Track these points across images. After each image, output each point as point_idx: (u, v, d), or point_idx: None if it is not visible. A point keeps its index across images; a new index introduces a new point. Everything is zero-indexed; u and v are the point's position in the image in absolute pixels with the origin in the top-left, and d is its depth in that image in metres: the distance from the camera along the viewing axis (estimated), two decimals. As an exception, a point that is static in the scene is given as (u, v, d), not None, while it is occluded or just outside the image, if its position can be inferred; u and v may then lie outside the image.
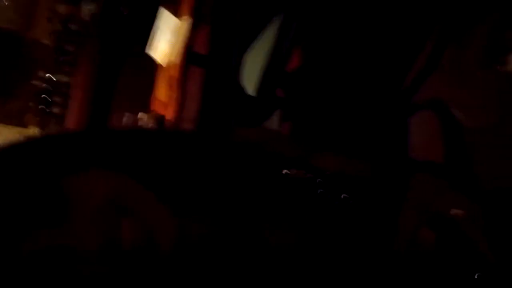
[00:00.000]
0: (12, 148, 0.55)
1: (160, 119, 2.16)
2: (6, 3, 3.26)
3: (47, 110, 3.29)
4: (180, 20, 2.12)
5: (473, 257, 0.66)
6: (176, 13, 2.17)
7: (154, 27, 2.24)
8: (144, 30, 2.37)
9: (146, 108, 2.36)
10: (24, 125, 3.35)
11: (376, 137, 1.47)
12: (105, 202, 0.49)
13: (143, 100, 2.45)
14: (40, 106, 3.29)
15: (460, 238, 0.67)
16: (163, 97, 2.22)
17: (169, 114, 2.11)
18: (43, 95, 3.32)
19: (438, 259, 0.67)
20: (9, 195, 0.47)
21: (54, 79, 3.39)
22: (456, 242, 0.67)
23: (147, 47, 2.28)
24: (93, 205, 0.49)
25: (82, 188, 0.49)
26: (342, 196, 0.62)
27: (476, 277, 0.63)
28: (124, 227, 0.48)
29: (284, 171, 0.61)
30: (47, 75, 3.37)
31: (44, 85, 3.38)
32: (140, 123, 2.15)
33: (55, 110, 3.35)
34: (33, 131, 3.24)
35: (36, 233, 0.46)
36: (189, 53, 2.14)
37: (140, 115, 2.19)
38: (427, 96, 1.37)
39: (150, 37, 2.26)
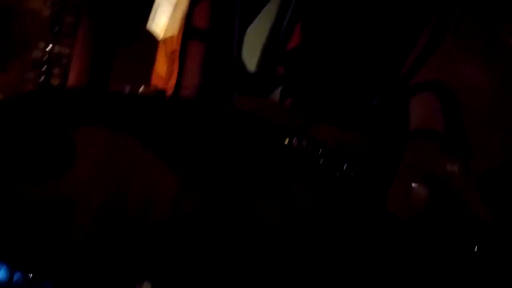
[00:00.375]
0: (25, 97, 0.56)
1: (160, 93, 2.15)
2: (3, -27, 3.22)
3: (46, 82, 3.28)
4: (180, -7, 2.10)
5: (465, 213, 0.67)
6: (176, -14, 2.15)
7: (154, 1, 2.22)
8: (144, 4, 2.35)
9: (146, 83, 2.36)
10: (23, 96, 3.33)
11: (376, 116, 1.47)
12: (109, 158, 0.50)
13: (144, 74, 2.44)
14: (40, 78, 3.27)
15: (453, 194, 0.68)
16: (163, 72, 2.21)
17: (169, 89, 2.11)
18: (42, 67, 3.30)
19: (432, 217, 0.68)
20: (19, 142, 0.48)
21: (53, 51, 3.37)
22: (449, 199, 0.68)
23: (147, 21, 2.26)
24: (98, 160, 0.50)
25: (87, 142, 0.50)
26: (344, 167, 0.62)
27: (475, 249, 0.64)
28: (128, 185, 0.49)
29: (286, 141, 0.61)
30: (46, 46, 3.34)
31: (43, 56, 3.36)
32: (140, 97, 2.15)
33: (55, 81, 3.33)
34: (32, 102, 3.22)
35: (42, 181, 0.47)
36: (189, 28, 2.12)
37: (141, 89, 2.19)
38: (427, 76, 1.37)
39: (151, 11, 2.24)
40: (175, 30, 2.10)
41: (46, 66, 3.44)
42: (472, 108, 1.23)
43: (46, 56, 3.53)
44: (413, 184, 0.68)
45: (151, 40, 2.43)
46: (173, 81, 2.03)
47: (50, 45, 3.50)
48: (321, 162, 0.62)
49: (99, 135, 0.50)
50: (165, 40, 2.20)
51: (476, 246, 0.65)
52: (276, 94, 1.72)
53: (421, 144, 0.75)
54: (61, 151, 0.49)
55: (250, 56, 1.68)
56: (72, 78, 3.31)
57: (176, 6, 2.09)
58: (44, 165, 0.48)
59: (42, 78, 3.30)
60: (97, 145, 0.50)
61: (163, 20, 2.16)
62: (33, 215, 0.47)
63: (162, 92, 2.23)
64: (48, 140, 0.49)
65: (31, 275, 0.52)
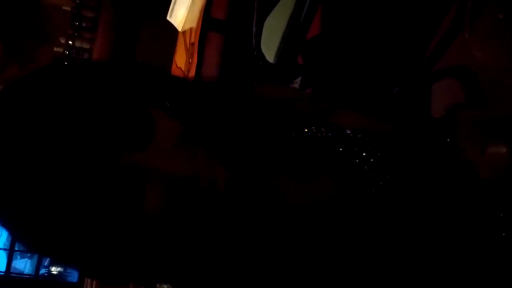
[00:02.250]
0: (111, 64, 0.58)
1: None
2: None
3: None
4: (199, -15, 2.10)
5: None
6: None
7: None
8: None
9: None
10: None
11: (397, 104, 1.45)
12: (182, 137, 0.52)
13: (164, 67, 2.45)
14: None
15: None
16: (183, 63, 2.21)
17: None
18: (63, 62, 3.34)
19: None
20: (104, 111, 0.50)
21: (74, 45, 3.40)
22: None
23: (167, 14, 2.26)
24: (174, 136, 0.52)
25: (164, 119, 0.52)
26: (363, 154, 0.61)
27: None
28: (199, 163, 0.51)
29: (305, 129, 0.61)
30: (67, 41, 3.38)
31: (64, 51, 3.40)
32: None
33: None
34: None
35: (123, 151, 0.49)
36: (208, 19, 2.12)
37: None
38: (449, 63, 1.35)
39: (170, 3, 2.24)
40: (194, 22, 2.10)
41: (67, 60, 3.47)
42: (493, 88, 1.21)
43: (68, 51, 3.57)
44: (491, 143, 0.64)
45: (171, 33, 2.44)
46: (192, 72, 2.03)
47: (71, 40, 3.54)
48: (340, 150, 0.61)
49: (173, 116, 0.53)
50: (184, 32, 2.20)
51: None
52: (296, 84, 1.71)
53: (467, 113, 0.72)
54: (142, 124, 0.51)
55: (269, 46, 1.67)
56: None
57: (194, -2, 2.09)
58: (128, 134, 0.50)
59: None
60: (175, 124, 0.52)
61: (182, 12, 2.16)
62: (115, 181, 0.49)
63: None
64: (131, 111, 0.51)
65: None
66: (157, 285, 0.63)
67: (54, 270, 5.65)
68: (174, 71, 2.34)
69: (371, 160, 0.61)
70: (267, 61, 1.66)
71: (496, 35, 1.15)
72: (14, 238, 0.59)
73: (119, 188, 0.50)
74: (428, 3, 1.45)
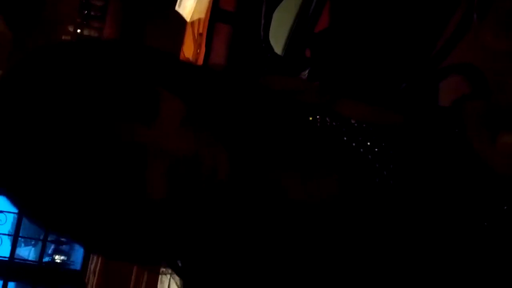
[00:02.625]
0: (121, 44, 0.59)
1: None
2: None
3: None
4: (208, -24, 2.10)
5: None
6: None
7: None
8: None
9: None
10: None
11: (405, 100, 1.45)
12: (186, 119, 0.53)
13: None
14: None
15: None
16: (190, 53, 2.21)
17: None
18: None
19: None
20: (111, 83, 0.51)
21: (83, 34, 3.41)
22: None
23: (175, 4, 2.26)
24: (178, 116, 0.52)
25: (169, 99, 0.53)
26: (367, 144, 0.61)
27: None
28: (203, 145, 0.52)
29: (310, 117, 0.61)
30: (76, 30, 3.38)
31: (72, 40, 3.40)
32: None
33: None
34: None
35: (127, 125, 0.49)
36: (217, 10, 2.12)
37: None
38: (457, 60, 1.34)
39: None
40: (202, 12, 2.10)
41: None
42: (503, 83, 1.20)
43: (76, 39, 3.56)
44: (501, 133, 0.63)
45: (180, 23, 2.44)
46: (200, 62, 2.03)
47: (80, 29, 3.54)
48: (345, 139, 0.61)
49: (178, 98, 0.54)
50: (192, 23, 2.20)
51: None
52: (303, 77, 1.71)
53: (474, 104, 0.72)
54: (147, 99, 0.51)
55: (278, 39, 1.67)
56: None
57: (203, -11, 2.09)
58: (133, 107, 0.51)
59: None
60: (178, 107, 0.53)
61: (191, 3, 2.16)
62: (118, 157, 0.50)
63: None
64: (138, 86, 0.52)
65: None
66: (169, 276, 0.63)
67: (58, 258, 5.69)
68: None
69: (376, 150, 0.61)
70: (275, 53, 1.66)
71: (507, 27, 1.14)
72: (19, 209, 0.59)
73: (122, 165, 0.51)
74: (436, 0, 1.44)
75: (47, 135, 0.50)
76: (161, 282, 2.98)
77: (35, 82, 0.52)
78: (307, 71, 1.69)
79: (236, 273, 0.59)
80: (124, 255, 0.61)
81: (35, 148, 0.50)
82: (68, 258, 5.83)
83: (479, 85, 1.23)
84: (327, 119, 0.63)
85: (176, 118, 0.54)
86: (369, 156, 0.61)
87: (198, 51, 2.13)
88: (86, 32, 3.37)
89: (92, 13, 3.37)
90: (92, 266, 4.15)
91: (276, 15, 1.69)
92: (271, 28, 1.69)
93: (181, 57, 2.43)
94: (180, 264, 0.61)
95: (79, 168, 0.50)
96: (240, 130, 0.59)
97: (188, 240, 0.58)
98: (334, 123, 0.62)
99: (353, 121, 0.63)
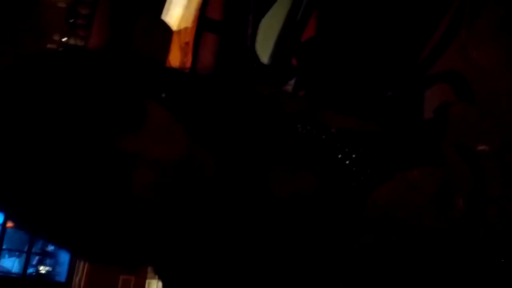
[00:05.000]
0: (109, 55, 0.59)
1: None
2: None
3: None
4: (195, -15, 2.10)
5: (482, 196, 0.66)
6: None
7: (169, -8, 2.22)
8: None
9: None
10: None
11: (390, 108, 1.46)
12: (172, 125, 0.55)
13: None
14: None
15: (479, 172, 0.67)
16: (177, 62, 2.21)
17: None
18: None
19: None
20: (96, 94, 0.51)
21: (68, 43, 3.39)
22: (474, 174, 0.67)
23: (162, 13, 2.26)
24: (164, 124, 0.54)
25: (155, 107, 0.54)
26: (345, 150, 0.63)
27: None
28: (189, 150, 0.54)
29: (293, 125, 0.63)
30: (61, 38, 3.37)
31: (57, 48, 3.39)
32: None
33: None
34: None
35: (113, 134, 0.50)
36: (204, 19, 2.12)
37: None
38: (443, 68, 1.35)
39: (165, 3, 2.24)
40: (189, 21, 2.09)
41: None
42: (489, 92, 1.21)
43: (61, 48, 3.54)
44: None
45: (166, 32, 2.43)
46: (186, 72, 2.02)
47: (66, 37, 3.52)
48: (324, 145, 0.63)
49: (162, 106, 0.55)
50: (179, 31, 2.20)
51: None
52: (290, 86, 1.71)
53: (460, 111, 0.75)
54: (133, 109, 0.52)
55: (264, 48, 1.67)
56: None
57: (190, -3, 2.08)
58: (119, 117, 0.52)
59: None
60: (165, 113, 0.54)
61: (178, 11, 2.16)
62: (104, 162, 0.50)
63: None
64: (123, 96, 0.53)
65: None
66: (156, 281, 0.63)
67: (42, 269, 5.61)
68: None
69: (353, 155, 0.63)
70: (262, 62, 1.66)
71: (495, 36, 1.16)
72: (5, 212, 0.60)
73: (108, 169, 0.51)
74: (423, 8, 1.45)
75: (34, 141, 0.50)
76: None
77: (20, 92, 0.52)
78: (293, 80, 1.69)
79: (221, 273, 0.59)
80: (109, 257, 0.61)
81: (23, 153, 0.51)
82: (53, 269, 5.76)
83: (463, 94, 1.24)
84: (308, 126, 0.64)
85: (162, 126, 0.55)
86: (347, 161, 0.63)
87: (185, 60, 2.13)
88: (72, 41, 3.36)
89: (79, 21, 3.36)
90: (77, 279, 4.12)
91: (263, 25, 1.69)
92: (258, 38, 1.70)
93: (168, 65, 2.43)
94: (162, 266, 0.61)
95: (65, 174, 0.51)
96: (227, 133, 0.61)
97: (174, 239, 0.59)
98: (314, 131, 0.64)
99: (332, 130, 0.65)
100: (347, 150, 0.63)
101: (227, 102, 0.63)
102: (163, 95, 0.58)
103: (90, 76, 0.54)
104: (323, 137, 0.64)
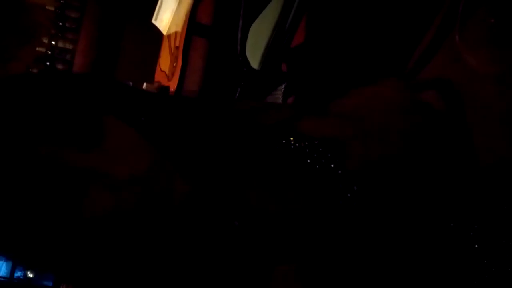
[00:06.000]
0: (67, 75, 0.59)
1: (163, 90, 2.15)
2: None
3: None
4: (185, -11, 2.10)
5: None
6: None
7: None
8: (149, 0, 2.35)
9: (150, 79, 2.36)
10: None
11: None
12: (136, 140, 0.54)
13: (148, 71, 2.44)
14: (43, 73, 3.26)
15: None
16: (167, 67, 2.21)
17: (172, 85, 2.11)
18: (45, 62, 3.30)
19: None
20: (56, 113, 0.51)
21: (57, 46, 3.37)
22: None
23: (151, 16, 2.26)
24: (127, 140, 0.53)
25: (118, 126, 0.54)
26: (331, 166, 0.61)
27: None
28: (155, 172, 0.53)
29: (274, 139, 0.61)
30: (50, 41, 3.35)
31: (46, 51, 3.36)
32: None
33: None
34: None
35: (68, 151, 0.51)
36: (193, 24, 2.12)
37: (144, 85, 2.19)
38: (434, 72, 1.36)
39: (155, 6, 2.24)
40: (179, 25, 2.09)
41: (49, 61, 3.44)
42: (480, 98, 1.22)
43: (50, 51, 3.53)
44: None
45: (156, 36, 2.43)
46: (176, 76, 2.02)
47: (54, 40, 3.50)
48: (308, 161, 0.61)
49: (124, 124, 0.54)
50: (169, 36, 2.20)
51: None
52: (280, 91, 1.72)
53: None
54: (90, 127, 0.52)
55: (254, 53, 1.67)
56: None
57: (180, 2, 2.08)
58: (74, 135, 0.51)
59: (46, 73, 3.29)
60: (127, 130, 0.54)
61: (167, 16, 2.15)
62: (56, 180, 0.50)
63: (165, 88, 2.23)
64: (80, 114, 0.53)
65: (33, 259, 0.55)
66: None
67: (30, 273, 5.57)
68: (158, 74, 2.33)
69: (339, 172, 0.61)
70: (252, 67, 1.66)
71: (487, 41, 1.17)
72: None
73: (60, 188, 0.51)
74: (412, 13, 1.47)
75: None
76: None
77: None
78: (283, 86, 1.70)
79: None
80: (72, 278, 0.60)
81: None
82: (41, 273, 5.71)
83: (451, 100, 1.25)
84: (291, 139, 0.63)
85: (123, 143, 0.54)
86: (332, 178, 0.61)
87: (175, 64, 2.13)
88: (60, 44, 3.33)
89: (67, 25, 3.34)
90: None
91: (253, 30, 1.69)
92: (247, 42, 1.70)
93: (157, 70, 2.42)
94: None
95: (16, 191, 0.51)
96: (203, 156, 0.59)
97: (129, 261, 0.58)
98: (297, 144, 0.62)
99: (316, 142, 0.63)
100: (332, 166, 0.62)
101: (203, 126, 0.62)
102: (142, 118, 0.57)
103: (45, 97, 0.54)
104: (307, 150, 0.63)
